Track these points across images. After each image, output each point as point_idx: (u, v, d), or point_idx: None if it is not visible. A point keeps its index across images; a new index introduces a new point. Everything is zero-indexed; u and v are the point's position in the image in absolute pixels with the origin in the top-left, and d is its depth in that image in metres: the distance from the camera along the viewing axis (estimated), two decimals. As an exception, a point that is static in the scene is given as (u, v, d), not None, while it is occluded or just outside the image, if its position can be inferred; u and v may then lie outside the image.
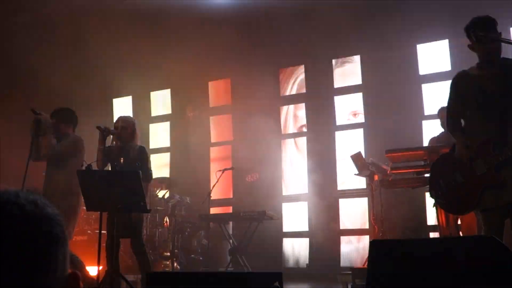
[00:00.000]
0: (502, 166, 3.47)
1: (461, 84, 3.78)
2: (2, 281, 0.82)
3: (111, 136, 5.33)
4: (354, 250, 8.22)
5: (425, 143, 7.42)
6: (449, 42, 8.09)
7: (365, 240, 8.05)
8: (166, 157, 10.47)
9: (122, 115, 5.74)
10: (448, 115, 3.88)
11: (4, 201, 0.89)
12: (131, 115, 6.86)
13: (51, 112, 5.63)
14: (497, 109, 3.55)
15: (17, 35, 8.99)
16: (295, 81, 9.53)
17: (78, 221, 5.87)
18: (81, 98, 9.04)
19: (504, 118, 3.51)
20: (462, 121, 3.84)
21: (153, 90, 10.79)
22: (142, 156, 5.33)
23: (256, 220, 7.17)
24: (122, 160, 5.29)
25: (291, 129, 9.45)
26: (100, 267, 4.89)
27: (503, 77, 3.59)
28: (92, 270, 5.12)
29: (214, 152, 10.06)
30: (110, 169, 5.32)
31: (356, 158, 6.99)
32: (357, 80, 8.89)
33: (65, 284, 0.91)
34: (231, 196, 9.58)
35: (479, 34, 3.52)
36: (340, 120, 8.97)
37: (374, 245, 2.57)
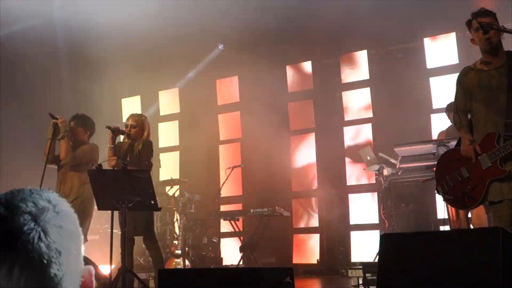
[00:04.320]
0: (507, 160, 3.48)
1: (465, 80, 3.81)
2: (17, 276, 0.84)
3: (121, 136, 5.38)
4: (364, 244, 8.21)
5: (434, 136, 7.41)
6: (456, 34, 8.05)
7: (376, 234, 8.04)
8: (175, 155, 10.52)
9: (133, 113, 5.78)
10: (455, 111, 3.92)
11: (18, 199, 0.91)
12: (142, 113, 6.89)
13: (71, 116, 5.74)
14: (502, 103, 3.56)
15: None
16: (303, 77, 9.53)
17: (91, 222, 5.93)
18: (90, 98, 9.10)
19: (509, 111, 3.52)
20: (469, 116, 3.87)
21: (161, 90, 10.84)
22: (145, 149, 5.35)
23: (266, 216, 7.19)
24: (128, 158, 5.32)
25: (300, 125, 9.45)
26: (113, 266, 4.93)
27: (508, 71, 3.59)
28: (105, 269, 5.17)
29: (223, 149, 10.09)
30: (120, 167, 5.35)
31: (365, 152, 6.99)
32: (365, 75, 8.88)
33: (79, 278, 0.93)
34: (241, 193, 9.60)
35: (481, 21, 3.54)
36: (348, 115, 8.96)
37: (384, 239, 2.59)
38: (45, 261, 0.87)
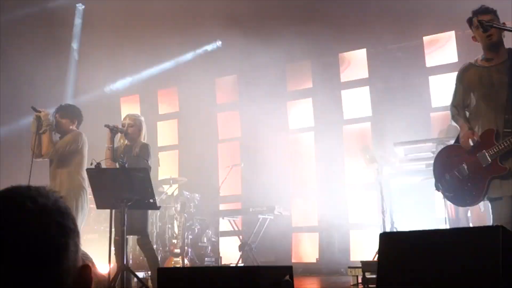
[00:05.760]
0: (507, 157, 3.47)
1: (466, 76, 3.81)
2: (16, 272, 0.84)
3: (119, 134, 5.37)
4: (364, 243, 8.21)
5: (434, 135, 7.40)
6: (455, 33, 8.04)
7: (375, 233, 8.03)
8: (174, 154, 10.50)
9: (130, 113, 5.77)
10: (451, 104, 3.92)
11: (16, 195, 0.91)
12: (139, 114, 6.89)
13: (55, 108, 5.66)
14: (503, 100, 3.56)
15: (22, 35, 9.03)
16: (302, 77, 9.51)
17: (86, 218, 5.85)
18: (89, 97, 9.10)
19: (509, 108, 3.52)
20: (467, 113, 3.87)
21: (160, 88, 10.82)
22: (143, 151, 5.34)
23: (265, 215, 7.19)
24: (126, 159, 5.31)
25: (299, 123, 9.44)
26: (111, 265, 4.92)
27: (509, 68, 3.59)
28: (104, 268, 5.15)
29: (222, 148, 10.08)
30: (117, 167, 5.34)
31: (365, 151, 6.99)
32: (364, 73, 8.86)
33: (77, 275, 0.93)
34: (240, 192, 9.59)
35: (481, 19, 3.54)
36: (347, 114, 8.95)
37: (383, 237, 2.58)
38: (44, 257, 0.87)
